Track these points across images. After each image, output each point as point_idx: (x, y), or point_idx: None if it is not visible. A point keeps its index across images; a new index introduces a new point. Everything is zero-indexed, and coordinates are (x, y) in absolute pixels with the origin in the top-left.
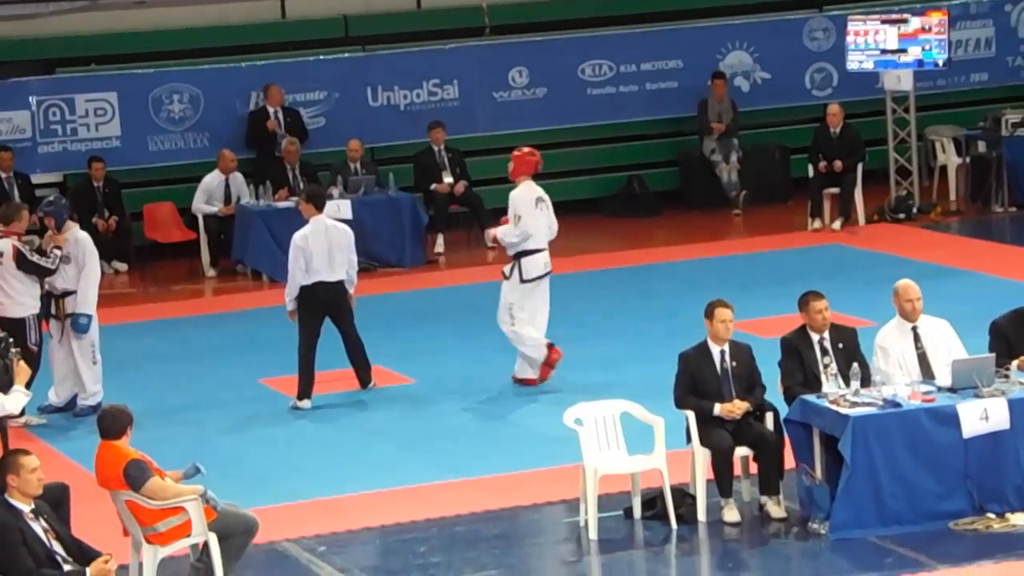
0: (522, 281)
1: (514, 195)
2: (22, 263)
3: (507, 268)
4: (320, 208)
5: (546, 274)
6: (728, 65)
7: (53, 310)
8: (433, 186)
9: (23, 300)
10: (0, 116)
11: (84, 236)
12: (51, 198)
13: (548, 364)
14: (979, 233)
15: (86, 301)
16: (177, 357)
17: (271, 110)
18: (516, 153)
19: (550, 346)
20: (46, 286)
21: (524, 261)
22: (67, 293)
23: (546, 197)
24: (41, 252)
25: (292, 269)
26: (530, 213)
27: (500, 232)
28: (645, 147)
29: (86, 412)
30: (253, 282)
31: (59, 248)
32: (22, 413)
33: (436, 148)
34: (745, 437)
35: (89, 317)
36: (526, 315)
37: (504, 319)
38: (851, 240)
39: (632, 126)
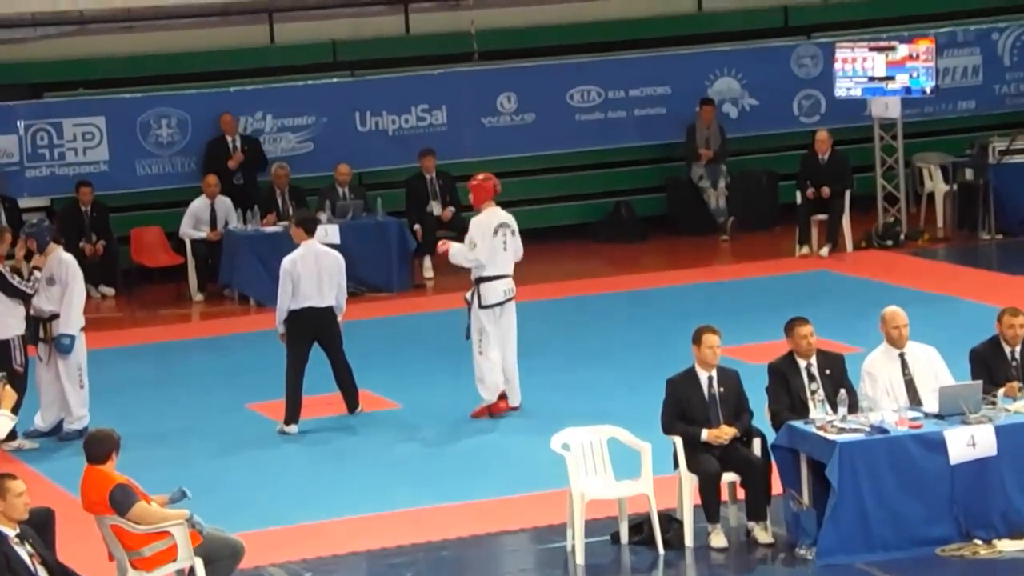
0: (480, 307)
1: (475, 220)
2: (3, 286)
3: (468, 293)
4: (310, 233)
5: (507, 300)
6: (716, 92)
7: (41, 333)
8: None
9: (7, 321)
10: None
11: (68, 257)
12: (34, 221)
13: (490, 411)
14: (966, 260)
15: (69, 322)
16: (164, 381)
17: (228, 139)
18: (472, 183)
19: (501, 396)
20: (33, 310)
21: (483, 287)
22: (54, 316)
23: (511, 222)
24: (21, 274)
25: (280, 293)
26: (486, 241)
27: (454, 249)
28: (633, 173)
29: (72, 436)
30: (240, 307)
31: (39, 270)
32: (14, 436)
33: (428, 176)
34: (732, 463)
35: (72, 338)
36: (493, 341)
37: (475, 345)
38: (838, 266)
39: (620, 152)
